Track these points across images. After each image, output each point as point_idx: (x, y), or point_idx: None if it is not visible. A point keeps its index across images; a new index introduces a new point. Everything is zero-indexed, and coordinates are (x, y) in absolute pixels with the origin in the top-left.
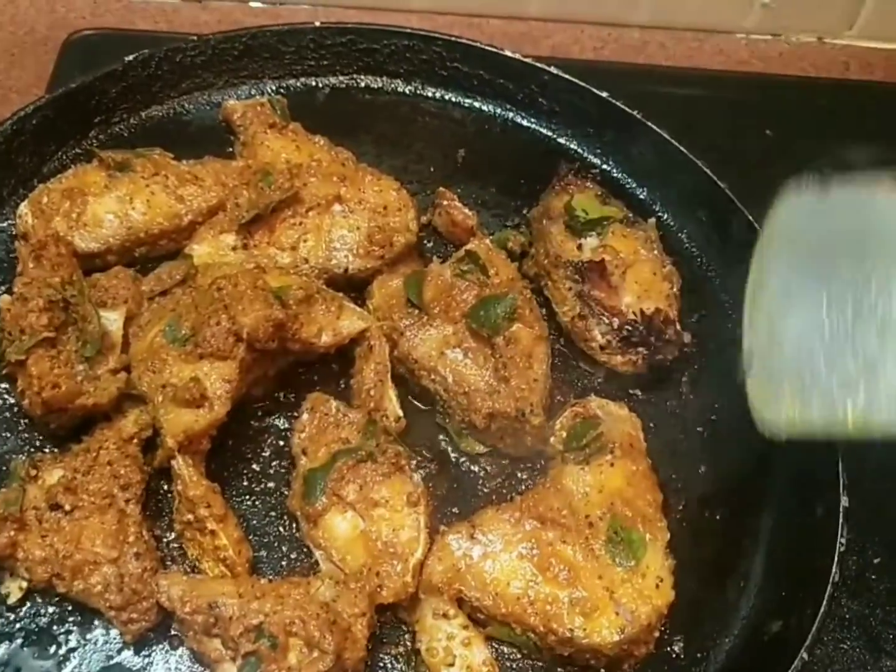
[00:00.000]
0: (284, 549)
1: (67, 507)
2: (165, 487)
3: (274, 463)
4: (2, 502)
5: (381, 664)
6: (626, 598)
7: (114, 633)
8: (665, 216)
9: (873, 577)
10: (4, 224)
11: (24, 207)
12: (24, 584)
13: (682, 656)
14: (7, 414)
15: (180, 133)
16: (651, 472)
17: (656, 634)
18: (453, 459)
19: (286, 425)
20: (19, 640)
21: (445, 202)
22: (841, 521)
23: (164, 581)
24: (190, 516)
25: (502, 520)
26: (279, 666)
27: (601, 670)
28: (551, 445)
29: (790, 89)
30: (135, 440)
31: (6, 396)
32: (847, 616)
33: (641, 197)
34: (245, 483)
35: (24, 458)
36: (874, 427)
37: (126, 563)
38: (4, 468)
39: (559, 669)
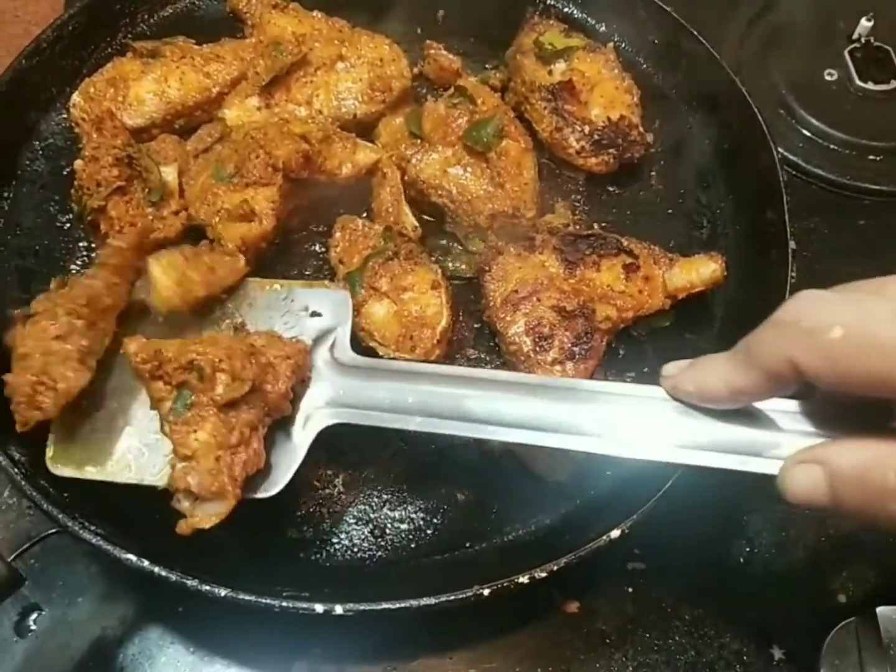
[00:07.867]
0: None
1: None
2: None
3: (316, 278)
4: None
5: None
6: None
7: None
8: (623, 44)
9: None
10: (58, 118)
11: (76, 97)
12: None
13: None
14: None
15: (196, 26)
16: None
17: None
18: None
19: (322, 250)
20: None
21: (432, 51)
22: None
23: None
24: None
25: None
26: (208, 395)
27: None
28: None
29: None
30: None
31: (86, 254)
32: None
33: (601, 31)
34: None
35: None
36: None
37: None
38: None
39: None
